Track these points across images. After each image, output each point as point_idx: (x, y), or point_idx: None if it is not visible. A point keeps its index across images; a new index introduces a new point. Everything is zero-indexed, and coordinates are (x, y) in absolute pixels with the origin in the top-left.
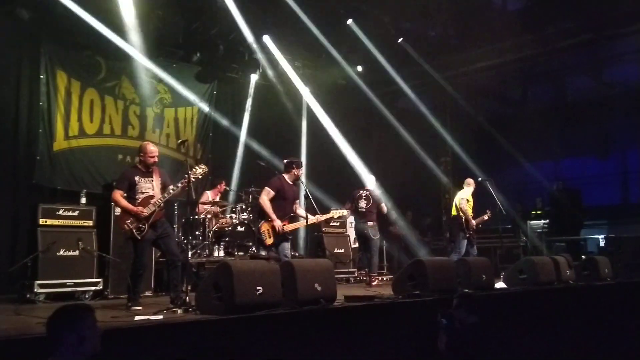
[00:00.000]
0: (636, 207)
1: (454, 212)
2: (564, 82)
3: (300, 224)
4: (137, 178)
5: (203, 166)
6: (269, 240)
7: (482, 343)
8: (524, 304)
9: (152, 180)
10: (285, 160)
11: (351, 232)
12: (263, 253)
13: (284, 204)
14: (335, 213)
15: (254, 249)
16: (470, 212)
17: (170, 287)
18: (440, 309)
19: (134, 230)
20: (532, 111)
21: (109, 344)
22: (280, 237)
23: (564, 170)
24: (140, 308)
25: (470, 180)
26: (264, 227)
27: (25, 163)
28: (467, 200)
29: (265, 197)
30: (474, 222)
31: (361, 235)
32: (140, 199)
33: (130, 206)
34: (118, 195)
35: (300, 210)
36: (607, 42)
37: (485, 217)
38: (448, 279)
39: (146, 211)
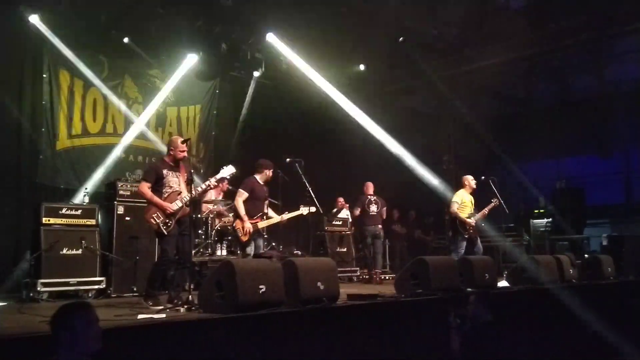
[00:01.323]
0: (639, 206)
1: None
2: (567, 80)
3: (272, 221)
4: (165, 171)
5: (231, 166)
6: (244, 237)
7: (495, 342)
8: (526, 303)
9: (179, 175)
10: (258, 161)
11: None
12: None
13: (257, 203)
14: (304, 210)
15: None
16: (467, 212)
17: (172, 285)
18: (452, 309)
19: (161, 225)
20: (534, 110)
21: (112, 342)
22: (255, 233)
23: (566, 169)
24: (161, 307)
25: (466, 179)
26: (238, 224)
27: (29, 162)
28: (458, 203)
29: (240, 199)
30: (470, 220)
31: (373, 237)
32: (167, 194)
33: (159, 201)
34: (145, 187)
35: (270, 210)
36: (610, 40)
37: (490, 206)
38: (450, 278)
39: (174, 207)
